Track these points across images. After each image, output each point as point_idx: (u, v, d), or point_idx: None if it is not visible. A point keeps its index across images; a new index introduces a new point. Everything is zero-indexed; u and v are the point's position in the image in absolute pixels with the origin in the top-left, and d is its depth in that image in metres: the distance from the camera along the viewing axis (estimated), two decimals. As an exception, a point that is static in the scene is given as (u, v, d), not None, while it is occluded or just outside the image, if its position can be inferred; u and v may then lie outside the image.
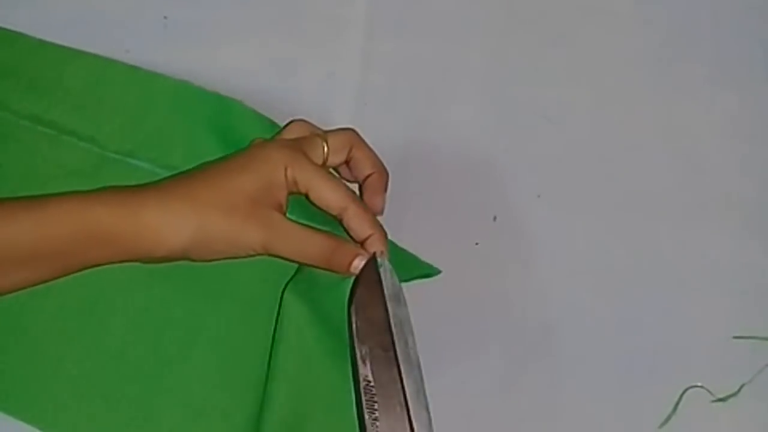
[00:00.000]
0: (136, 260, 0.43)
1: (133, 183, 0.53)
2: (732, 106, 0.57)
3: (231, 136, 0.56)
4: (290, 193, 0.45)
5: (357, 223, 0.45)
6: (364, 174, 0.49)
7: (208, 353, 0.51)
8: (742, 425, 0.50)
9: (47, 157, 0.56)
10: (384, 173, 0.49)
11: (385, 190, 0.49)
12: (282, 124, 0.54)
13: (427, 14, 0.60)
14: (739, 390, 0.50)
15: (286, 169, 0.44)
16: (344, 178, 0.50)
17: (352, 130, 0.49)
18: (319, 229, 0.46)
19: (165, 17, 0.60)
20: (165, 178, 0.46)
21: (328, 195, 0.45)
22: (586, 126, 0.58)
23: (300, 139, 0.47)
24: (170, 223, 0.42)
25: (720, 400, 0.49)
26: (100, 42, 0.59)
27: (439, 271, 0.51)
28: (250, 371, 0.50)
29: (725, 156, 0.57)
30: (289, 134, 0.48)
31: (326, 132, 0.48)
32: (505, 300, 0.53)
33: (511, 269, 0.54)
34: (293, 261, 0.45)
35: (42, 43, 0.59)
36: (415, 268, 0.52)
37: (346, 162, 0.48)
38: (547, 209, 0.56)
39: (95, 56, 0.58)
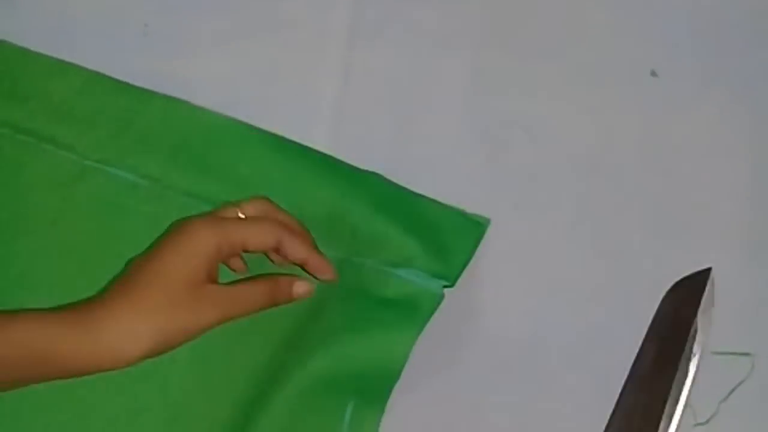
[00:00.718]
0: (95, 372, 0.44)
1: (113, 193, 0.55)
2: (714, 121, 0.57)
3: (215, 151, 0.56)
4: (221, 260, 0.47)
5: (292, 250, 0.47)
6: None
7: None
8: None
9: (27, 165, 0.56)
10: (305, 230, 0.50)
11: (307, 233, 0.50)
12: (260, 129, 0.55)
13: (408, 25, 0.60)
14: (717, 410, 0.49)
15: (217, 245, 0.45)
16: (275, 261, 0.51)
17: (266, 197, 0.50)
18: (251, 277, 0.49)
19: (145, 25, 0.61)
20: (109, 285, 0.47)
21: (261, 237, 0.47)
22: (565, 140, 0.57)
23: (214, 211, 0.49)
24: (128, 338, 0.43)
25: (701, 424, 0.49)
26: (79, 49, 0.59)
27: (489, 221, 0.54)
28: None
29: (706, 172, 0.56)
30: None
31: (238, 202, 0.49)
32: (481, 313, 0.53)
33: (488, 282, 0.54)
34: (246, 316, 0.47)
35: (23, 51, 0.59)
36: (462, 226, 0.53)
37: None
38: (525, 222, 0.55)
39: (78, 67, 0.59)
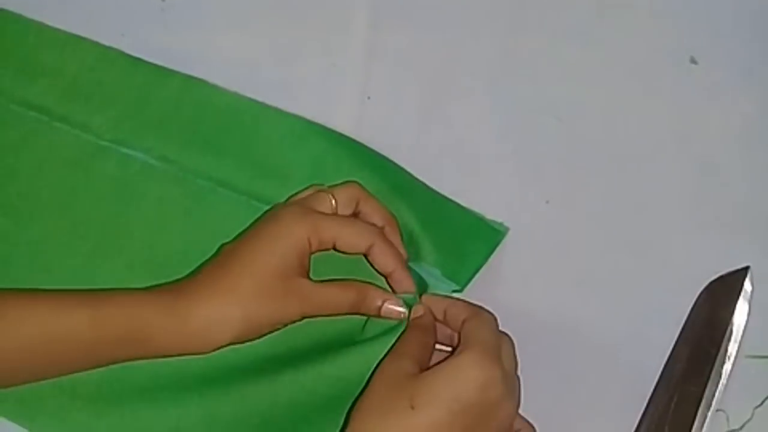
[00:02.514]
0: (182, 355, 0.45)
1: (128, 174, 0.54)
2: (753, 110, 0.55)
3: (233, 133, 0.55)
4: (313, 253, 0.47)
5: (381, 259, 0.47)
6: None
7: None
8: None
9: (38, 143, 0.55)
10: (394, 223, 0.49)
11: (400, 238, 0.49)
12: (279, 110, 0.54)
13: (434, 4, 0.58)
14: (752, 416, 0.48)
15: (309, 238, 0.45)
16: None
17: (357, 183, 0.49)
18: (343, 280, 0.48)
19: (163, 0, 0.58)
20: (201, 269, 0.47)
21: (354, 240, 0.47)
22: (599, 128, 0.55)
23: (308, 198, 0.49)
24: (217, 323, 0.44)
25: (735, 431, 0.47)
26: (95, 25, 0.58)
27: (507, 229, 0.52)
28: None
29: (742, 163, 0.54)
30: (298, 196, 0.50)
31: (331, 187, 0.49)
32: (508, 309, 0.50)
33: (517, 277, 0.52)
34: (329, 316, 0.47)
35: (36, 25, 0.58)
36: (480, 231, 0.52)
37: (355, 215, 0.49)
38: (556, 215, 0.53)
39: (92, 42, 0.57)
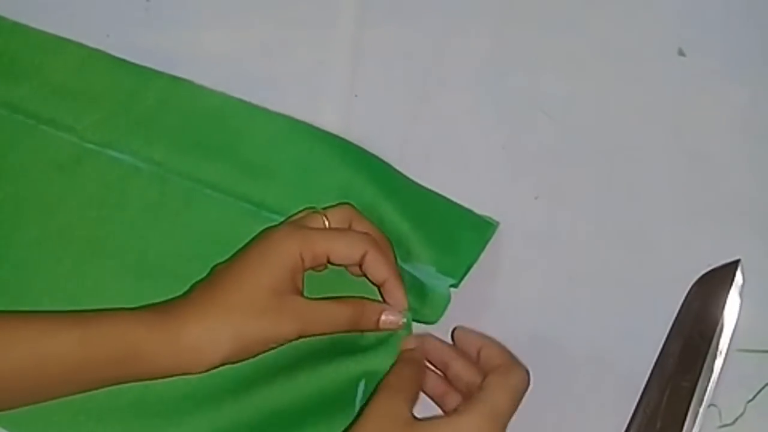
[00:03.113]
0: (173, 376, 0.44)
1: (114, 177, 0.54)
2: (743, 101, 0.54)
3: (220, 133, 0.54)
4: (306, 270, 0.46)
5: (374, 268, 0.46)
6: None
7: None
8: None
9: (24, 147, 0.55)
10: (386, 241, 0.49)
11: (393, 255, 0.49)
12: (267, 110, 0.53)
13: (421, 0, 0.57)
14: (744, 410, 0.47)
15: (301, 254, 0.45)
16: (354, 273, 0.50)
17: (350, 204, 0.49)
18: (338, 298, 0.47)
19: (147, 0, 0.58)
20: (192, 289, 0.47)
21: (347, 250, 0.46)
22: (588, 121, 0.54)
23: (300, 218, 0.48)
24: (209, 342, 0.43)
25: (727, 425, 0.47)
26: (79, 25, 0.57)
27: (498, 224, 0.52)
28: None
29: (734, 154, 0.53)
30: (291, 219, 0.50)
31: (324, 209, 0.49)
32: (497, 305, 0.51)
33: (507, 273, 0.52)
34: (325, 334, 0.47)
35: (21, 28, 0.58)
36: (471, 225, 0.51)
37: None
38: (546, 210, 0.53)
39: (77, 44, 0.57)
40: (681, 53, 0.55)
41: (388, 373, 0.45)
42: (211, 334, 0.43)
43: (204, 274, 0.48)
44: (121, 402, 0.47)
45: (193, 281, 0.48)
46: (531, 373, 0.47)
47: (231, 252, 0.49)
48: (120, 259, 0.52)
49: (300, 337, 0.45)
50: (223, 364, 0.44)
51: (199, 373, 0.44)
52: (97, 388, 0.45)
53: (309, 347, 0.48)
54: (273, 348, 0.45)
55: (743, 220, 0.52)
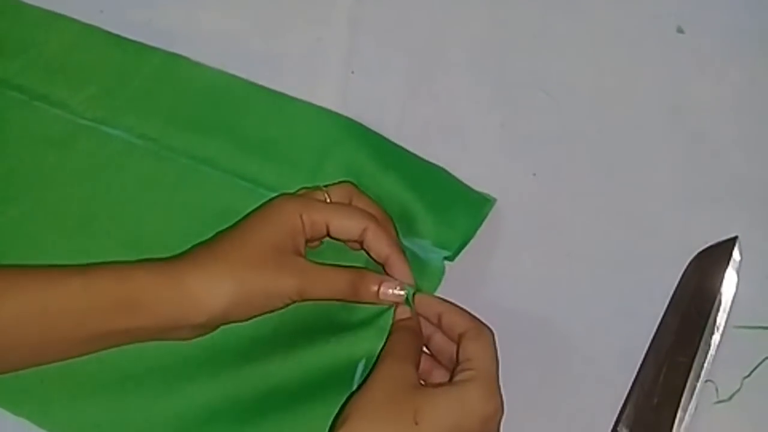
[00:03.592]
0: (176, 329, 0.44)
1: (109, 153, 0.53)
2: (742, 79, 0.54)
3: (216, 110, 0.54)
4: (308, 241, 0.46)
5: (376, 243, 0.46)
6: None
7: None
8: (744, 423, 0.47)
9: (17, 123, 0.54)
10: (387, 218, 0.49)
11: (395, 231, 0.49)
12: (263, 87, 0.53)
13: (420, -24, 0.57)
14: (741, 386, 0.48)
15: (301, 216, 0.45)
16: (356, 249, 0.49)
17: (351, 182, 0.49)
18: (341, 265, 0.47)
19: (142, -25, 0.57)
20: (198, 245, 0.46)
21: (347, 222, 0.46)
22: (587, 99, 0.54)
23: (303, 192, 0.49)
24: (210, 286, 0.43)
25: (723, 401, 0.47)
26: (72, 1, 0.57)
27: (495, 200, 0.52)
28: None
29: (732, 133, 0.53)
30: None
31: (325, 186, 0.49)
32: (496, 283, 0.51)
33: (505, 250, 0.51)
34: (325, 299, 0.46)
35: (13, 3, 0.57)
36: (469, 200, 0.51)
37: None
38: (544, 187, 0.53)
39: (71, 20, 0.56)
40: (680, 30, 0.55)
41: (388, 341, 0.45)
42: (212, 281, 0.43)
43: None
44: (117, 375, 0.47)
45: None
46: (528, 350, 0.47)
47: (225, 227, 0.48)
48: (114, 235, 0.51)
49: (299, 297, 0.45)
50: (224, 318, 0.44)
51: (202, 325, 0.44)
52: (101, 347, 0.44)
53: (308, 325, 0.48)
54: (272, 309, 0.45)
55: (741, 198, 0.52)
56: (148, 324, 0.43)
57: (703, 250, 0.50)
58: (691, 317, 0.48)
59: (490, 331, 0.45)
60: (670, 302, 0.49)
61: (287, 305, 0.45)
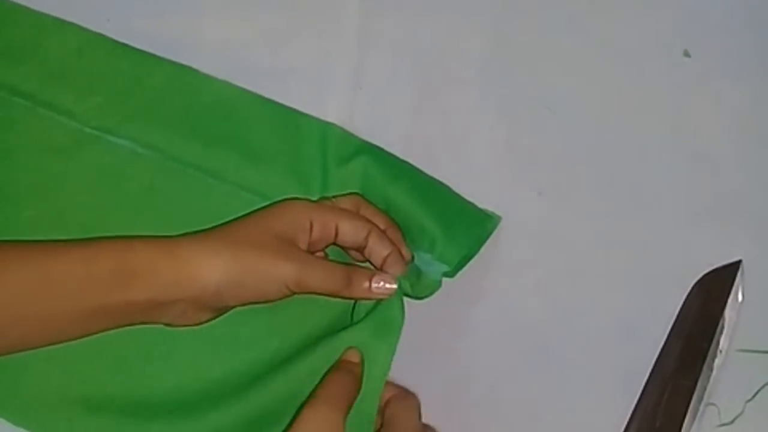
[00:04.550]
0: (171, 303, 0.44)
1: (114, 163, 0.53)
2: (744, 103, 0.54)
3: (222, 122, 0.54)
4: (314, 243, 0.47)
5: (378, 245, 0.47)
6: None
7: None
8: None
9: (22, 130, 0.54)
10: (395, 227, 0.50)
11: (403, 241, 0.50)
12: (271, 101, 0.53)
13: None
14: (743, 410, 0.48)
15: (311, 219, 0.46)
16: (357, 260, 0.50)
17: (357, 193, 0.51)
18: (337, 261, 0.48)
19: (149, -15, 0.57)
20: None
21: (355, 226, 0.47)
22: (592, 119, 0.54)
23: (312, 201, 0.50)
24: (205, 257, 0.44)
25: (726, 424, 0.47)
26: (79, 9, 0.56)
27: (500, 218, 0.52)
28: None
29: (736, 155, 0.53)
30: None
31: (333, 197, 0.50)
32: (498, 302, 0.51)
33: (509, 269, 0.52)
34: (319, 293, 0.46)
35: (19, 8, 0.57)
36: (473, 218, 0.51)
37: None
38: (549, 206, 0.53)
39: (78, 27, 0.56)
40: (686, 54, 0.55)
41: (324, 381, 0.45)
42: (209, 253, 0.44)
43: None
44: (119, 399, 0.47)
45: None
46: (529, 370, 0.47)
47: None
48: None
49: (295, 285, 0.45)
50: (218, 294, 0.44)
51: (194, 299, 0.44)
52: (98, 327, 0.44)
53: (307, 340, 0.48)
54: (267, 298, 0.45)
55: (744, 220, 0.52)
56: (144, 296, 0.43)
57: (707, 274, 0.50)
58: (695, 341, 0.49)
59: (416, 398, 0.46)
60: (673, 326, 0.50)
61: (283, 296, 0.45)
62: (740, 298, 0.49)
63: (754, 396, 0.48)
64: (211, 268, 0.43)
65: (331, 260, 0.48)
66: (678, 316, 0.50)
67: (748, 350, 0.49)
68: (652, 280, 0.51)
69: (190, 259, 0.44)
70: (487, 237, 0.51)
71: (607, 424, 0.48)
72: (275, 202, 0.48)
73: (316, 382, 0.45)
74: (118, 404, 0.48)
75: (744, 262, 0.50)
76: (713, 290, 0.50)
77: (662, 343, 0.49)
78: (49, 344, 0.44)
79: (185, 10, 0.57)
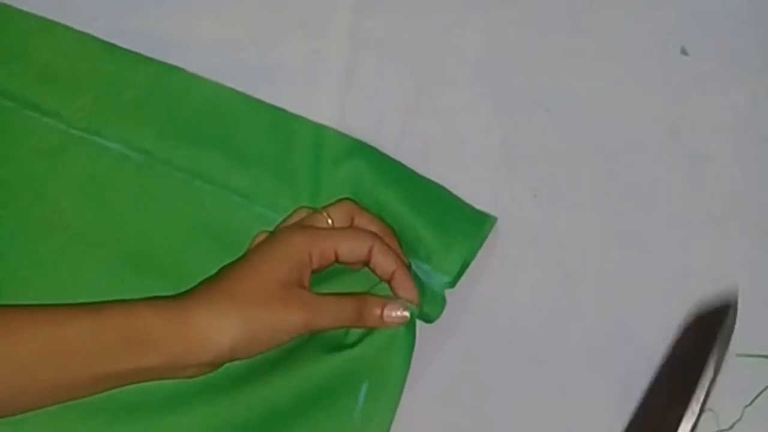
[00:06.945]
0: (183, 368, 0.44)
1: (101, 165, 0.52)
2: (742, 102, 0.54)
3: (212, 123, 0.53)
4: (314, 271, 0.46)
5: (382, 260, 0.47)
6: None
7: None
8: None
9: (8, 131, 0.53)
10: (391, 232, 0.49)
11: (398, 246, 0.49)
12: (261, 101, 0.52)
13: (420, -9, 0.56)
14: (741, 415, 0.47)
15: (309, 251, 0.46)
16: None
17: (349, 199, 0.49)
18: (342, 293, 0.47)
19: (138, -16, 0.56)
20: (203, 282, 0.46)
21: (355, 244, 0.47)
22: (589, 119, 0.54)
23: (305, 219, 0.48)
24: (216, 323, 0.43)
25: (724, 430, 0.47)
26: (66, 8, 0.55)
27: (496, 219, 0.51)
28: None
29: (734, 155, 0.53)
30: (291, 220, 0.50)
31: (324, 207, 0.49)
32: (494, 306, 0.50)
33: (504, 271, 0.51)
34: (331, 329, 0.46)
35: (6, 8, 0.56)
36: (469, 219, 0.51)
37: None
38: (544, 208, 0.52)
39: (64, 27, 0.55)
40: (684, 52, 0.54)
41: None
42: (219, 317, 0.43)
43: (192, 267, 0.47)
44: (111, 405, 0.47)
45: (181, 274, 0.46)
46: (525, 374, 0.46)
47: (220, 244, 0.49)
48: (105, 249, 0.50)
49: (306, 330, 0.45)
50: (232, 355, 0.43)
51: (208, 364, 0.43)
52: (108, 388, 0.44)
53: (310, 346, 0.48)
54: (279, 344, 0.45)
55: (742, 221, 0.52)
56: (156, 363, 0.43)
57: (702, 314, 0.49)
58: (692, 346, 0.48)
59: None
60: (666, 360, 0.49)
61: (294, 339, 0.45)
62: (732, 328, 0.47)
63: (752, 401, 0.48)
64: (223, 334, 0.43)
65: (339, 293, 0.47)
66: (671, 350, 0.49)
67: (746, 354, 0.48)
68: (649, 282, 0.50)
69: (201, 327, 0.43)
70: (485, 239, 0.51)
71: (604, 427, 0.48)
72: (272, 238, 0.47)
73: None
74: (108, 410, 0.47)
75: (742, 264, 0.50)
76: (706, 331, 0.47)
77: (660, 346, 0.49)
78: (60, 404, 0.43)
79: (174, 9, 0.56)
